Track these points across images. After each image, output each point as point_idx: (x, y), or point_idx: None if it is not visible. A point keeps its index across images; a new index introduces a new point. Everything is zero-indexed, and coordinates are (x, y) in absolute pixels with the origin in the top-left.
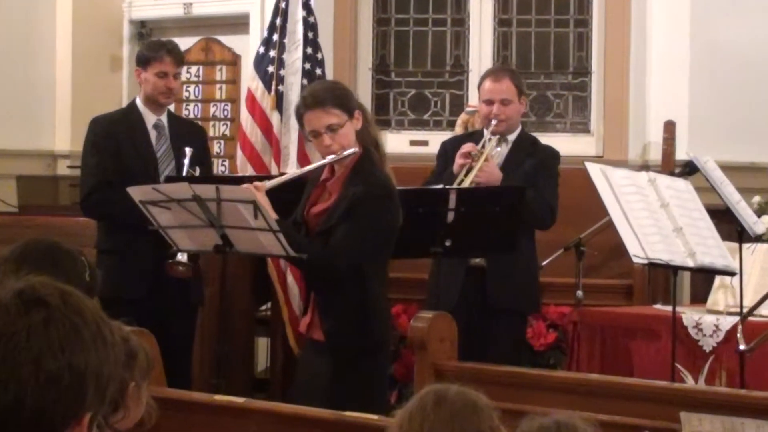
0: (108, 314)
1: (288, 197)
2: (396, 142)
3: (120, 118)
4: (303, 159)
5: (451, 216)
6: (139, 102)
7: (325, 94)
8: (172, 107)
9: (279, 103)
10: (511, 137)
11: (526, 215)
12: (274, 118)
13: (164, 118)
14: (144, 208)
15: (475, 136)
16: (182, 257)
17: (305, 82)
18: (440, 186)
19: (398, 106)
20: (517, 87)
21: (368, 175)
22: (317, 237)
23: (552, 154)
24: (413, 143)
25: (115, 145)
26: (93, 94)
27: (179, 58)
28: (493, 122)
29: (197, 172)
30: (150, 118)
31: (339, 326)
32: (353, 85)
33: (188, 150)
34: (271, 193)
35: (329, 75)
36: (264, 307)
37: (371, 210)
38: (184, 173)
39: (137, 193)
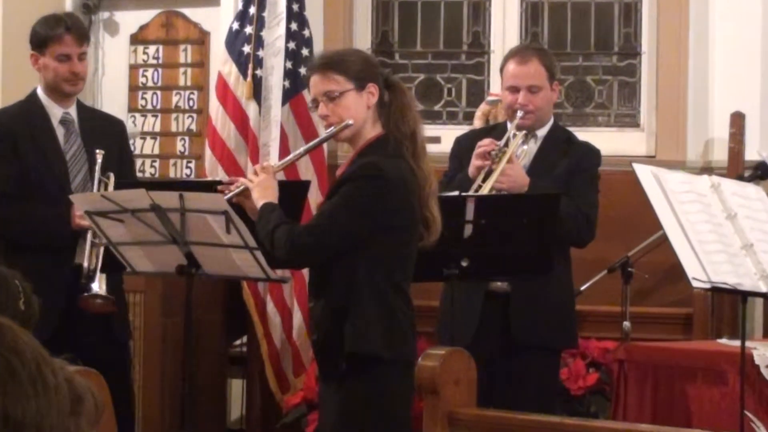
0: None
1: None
2: None
3: (17, 113)
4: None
5: (468, 230)
6: (40, 93)
7: (331, 58)
8: (125, 99)
9: (257, 91)
10: (541, 132)
11: (558, 228)
12: (251, 109)
13: (73, 111)
14: (91, 219)
15: (496, 131)
16: (99, 288)
17: (289, 65)
18: (455, 193)
19: None
20: (547, 70)
21: (368, 157)
22: None
23: (591, 153)
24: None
25: (13, 147)
26: (27, 78)
27: (83, 34)
28: (519, 114)
29: (111, 181)
30: (55, 112)
31: (321, 336)
32: None
33: (99, 152)
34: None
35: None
36: (238, 342)
37: (348, 190)
38: (95, 182)
39: (82, 201)
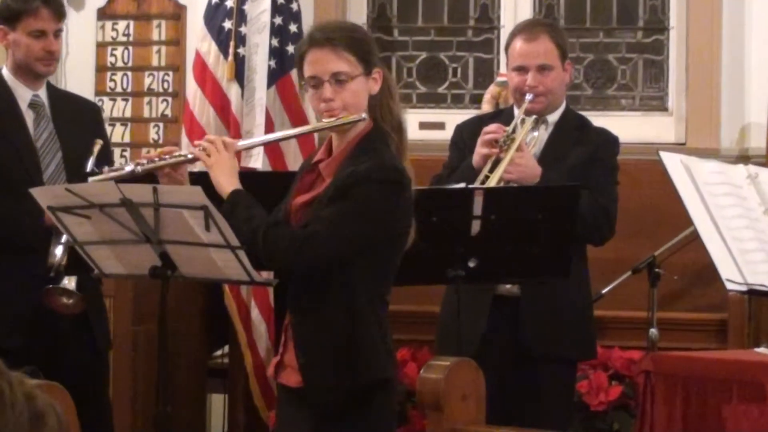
0: None
1: (276, 194)
2: None
3: None
4: (272, 148)
5: (476, 226)
6: (6, 73)
7: (340, 32)
8: (91, 81)
9: (239, 72)
10: (552, 118)
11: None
12: (233, 92)
13: (43, 94)
14: (54, 216)
15: (502, 117)
16: (68, 283)
17: (276, 43)
18: (461, 185)
19: (403, 75)
20: (559, 48)
21: (378, 153)
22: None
23: (608, 141)
24: (424, 126)
25: None
26: None
27: (60, 9)
28: (528, 97)
29: (95, 150)
30: (24, 95)
31: (315, 360)
32: None
33: (97, 142)
34: (251, 186)
35: None
36: (219, 353)
37: (365, 193)
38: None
39: (44, 196)
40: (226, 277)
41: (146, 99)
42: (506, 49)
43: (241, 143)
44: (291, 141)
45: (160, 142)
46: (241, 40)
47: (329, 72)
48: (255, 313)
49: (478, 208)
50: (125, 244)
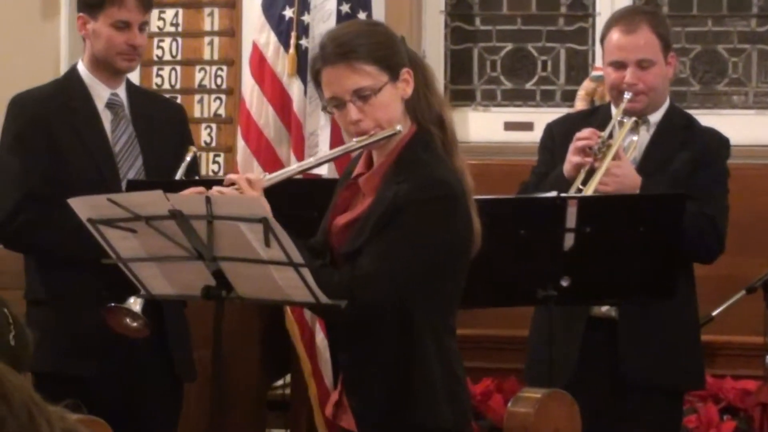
0: (45, 396)
1: (309, 214)
2: (482, 126)
3: (54, 95)
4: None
5: (569, 240)
6: (82, 69)
7: (353, 40)
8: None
9: (302, 67)
10: (654, 118)
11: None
12: (295, 88)
13: (122, 92)
14: (95, 230)
15: (597, 116)
16: (133, 304)
17: None
18: (552, 194)
19: (486, 69)
20: (661, 39)
21: (420, 166)
22: (344, 262)
23: (717, 143)
24: (510, 126)
25: (50, 138)
26: (14, 54)
27: (147, 1)
28: (627, 96)
29: (188, 158)
30: (101, 93)
31: (368, 406)
32: (416, 36)
33: (191, 149)
34: (281, 206)
35: (379, 20)
36: (280, 383)
37: (420, 218)
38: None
39: (83, 207)
40: (288, 299)
41: (197, 97)
42: (602, 40)
43: (269, 178)
44: (326, 144)
45: (213, 145)
46: (304, 30)
47: (349, 91)
48: (320, 337)
49: (571, 219)
50: (175, 261)
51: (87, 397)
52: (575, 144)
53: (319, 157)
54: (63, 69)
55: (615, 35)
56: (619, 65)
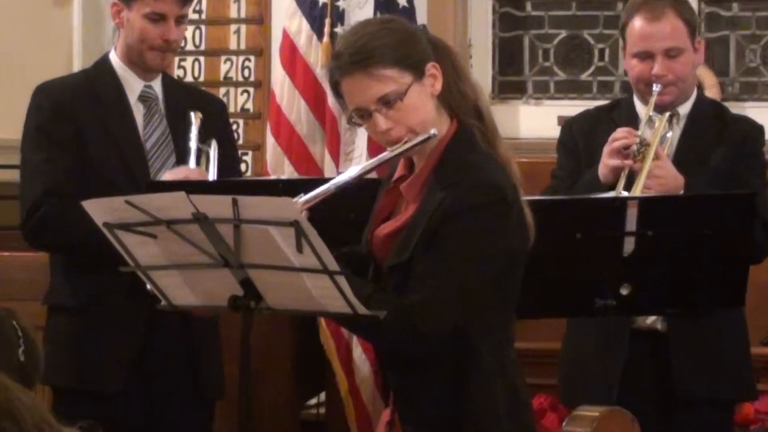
0: (62, 413)
1: (346, 217)
2: (534, 120)
3: (82, 84)
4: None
5: (629, 245)
6: (114, 58)
7: (368, 44)
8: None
9: None
10: (684, 109)
11: None
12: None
13: (157, 85)
14: (111, 235)
15: (620, 110)
16: None
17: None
18: (610, 194)
19: (538, 58)
20: (688, 24)
21: (467, 169)
22: (389, 275)
23: (754, 132)
24: (563, 121)
25: (76, 131)
26: (27, 42)
27: None
28: (655, 89)
29: (213, 149)
30: (134, 85)
31: (428, 427)
32: (461, 24)
33: (196, 114)
34: (316, 209)
35: (421, 7)
36: (314, 401)
37: (474, 228)
38: (192, 156)
39: (99, 210)
40: (322, 309)
41: (222, 90)
42: (621, 29)
43: (304, 200)
44: (363, 143)
45: (240, 142)
46: (339, 16)
47: (373, 100)
48: (358, 352)
49: (631, 222)
50: (199, 269)
51: (108, 415)
52: (612, 145)
53: (352, 172)
54: (76, 57)
55: (638, 23)
56: (645, 56)
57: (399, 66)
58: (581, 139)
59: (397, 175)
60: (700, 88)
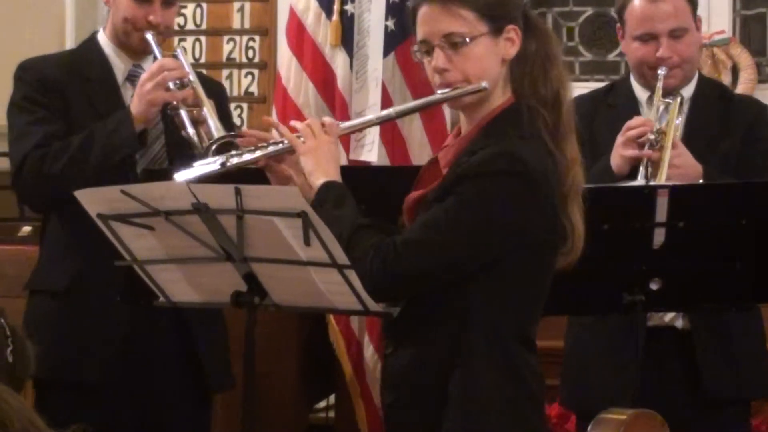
0: (47, 408)
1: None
2: None
3: (69, 62)
4: (392, 136)
5: (659, 236)
6: (102, 38)
7: None
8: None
9: (347, 36)
10: (687, 92)
11: None
12: (339, 62)
13: (147, 65)
14: (106, 227)
15: (617, 93)
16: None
17: None
18: (641, 182)
19: (563, 38)
20: (689, 1)
21: (501, 139)
22: None
23: (761, 112)
24: None
25: (65, 105)
26: (19, 23)
27: None
28: (661, 72)
29: (211, 110)
30: (122, 65)
31: (407, 397)
32: None
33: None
34: (361, 185)
35: None
36: (323, 404)
37: (474, 189)
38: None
39: (92, 200)
40: (331, 306)
41: (225, 72)
42: (619, 11)
43: (346, 125)
44: (415, 126)
45: (244, 127)
46: None
47: (440, 34)
48: (369, 352)
49: (662, 212)
50: (199, 263)
51: (97, 410)
52: (627, 134)
53: (399, 108)
54: (68, 38)
55: (638, 3)
56: (649, 37)
57: (478, 12)
58: (580, 125)
59: (445, 144)
60: (695, 68)
